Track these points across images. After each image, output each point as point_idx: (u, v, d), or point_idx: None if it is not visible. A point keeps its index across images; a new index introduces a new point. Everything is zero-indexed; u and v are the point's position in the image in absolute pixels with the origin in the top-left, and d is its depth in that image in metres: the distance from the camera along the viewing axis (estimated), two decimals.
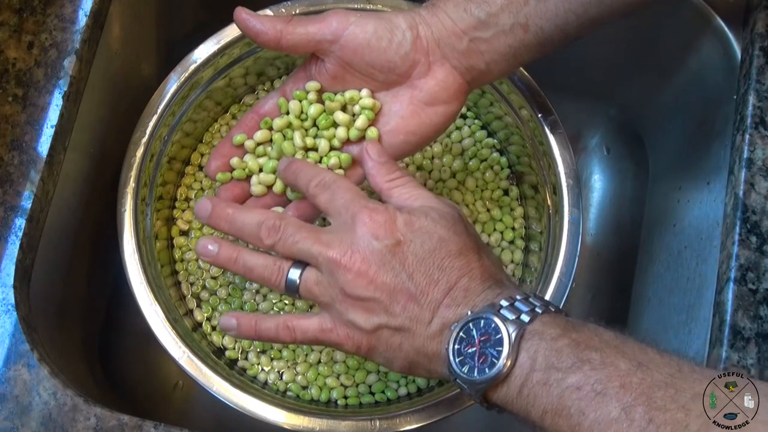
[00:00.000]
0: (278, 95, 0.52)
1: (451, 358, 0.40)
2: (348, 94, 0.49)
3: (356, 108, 0.50)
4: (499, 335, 0.38)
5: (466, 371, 0.40)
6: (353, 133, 0.50)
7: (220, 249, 0.46)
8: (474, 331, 0.40)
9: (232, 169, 0.52)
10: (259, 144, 0.52)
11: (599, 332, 0.38)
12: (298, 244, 0.44)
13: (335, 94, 0.50)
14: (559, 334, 0.38)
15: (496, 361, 0.38)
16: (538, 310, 0.40)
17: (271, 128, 0.52)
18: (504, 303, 0.40)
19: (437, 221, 0.43)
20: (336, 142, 0.50)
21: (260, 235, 0.45)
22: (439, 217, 0.43)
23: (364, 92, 0.49)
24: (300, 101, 0.51)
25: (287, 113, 0.51)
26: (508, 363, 0.38)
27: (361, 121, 0.49)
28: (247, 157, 0.52)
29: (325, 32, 0.47)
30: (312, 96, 0.50)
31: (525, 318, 0.39)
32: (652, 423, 0.33)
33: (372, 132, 0.49)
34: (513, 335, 0.38)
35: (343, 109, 0.50)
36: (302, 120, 0.51)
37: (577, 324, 0.39)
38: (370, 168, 0.47)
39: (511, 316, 0.39)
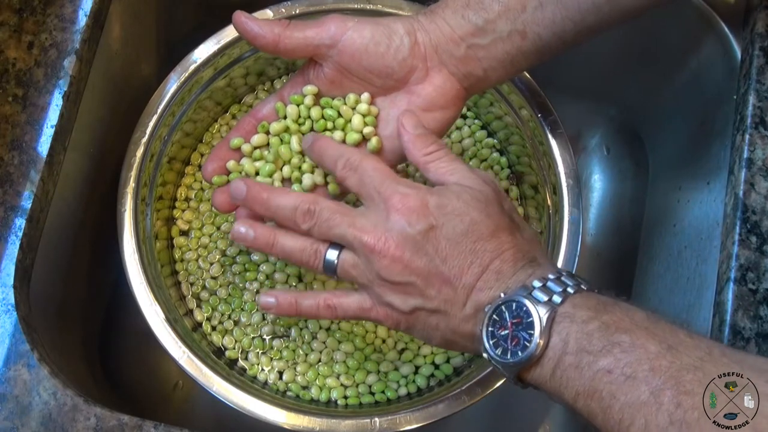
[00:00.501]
0: (276, 99, 0.52)
1: (485, 340, 0.41)
2: (351, 96, 0.50)
3: (355, 115, 0.50)
4: (531, 318, 0.39)
5: (499, 353, 0.40)
6: (352, 138, 0.50)
7: (256, 233, 0.47)
8: (506, 314, 0.40)
9: (228, 172, 0.52)
10: (255, 148, 0.52)
11: (630, 313, 0.39)
12: (333, 229, 0.45)
13: (333, 99, 0.50)
14: (590, 316, 0.38)
15: (528, 344, 0.39)
16: (570, 290, 0.40)
17: (268, 132, 0.52)
18: (536, 284, 0.40)
19: (469, 203, 0.43)
20: None
21: (296, 219, 0.46)
22: (471, 198, 0.43)
23: (365, 96, 0.49)
24: (297, 105, 0.51)
25: (285, 117, 0.51)
26: (540, 345, 0.39)
27: (356, 120, 0.49)
28: (244, 161, 0.52)
29: (323, 37, 0.47)
30: (309, 100, 0.50)
31: (557, 299, 0.39)
32: (680, 407, 0.33)
33: (374, 141, 0.49)
34: (544, 318, 0.39)
35: (341, 113, 0.50)
36: (300, 124, 0.51)
37: (609, 304, 0.39)
38: (406, 141, 0.47)
39: (543, 298, 0.39)
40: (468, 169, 0.45)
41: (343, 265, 0.45)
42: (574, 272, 0.55)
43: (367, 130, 0.49)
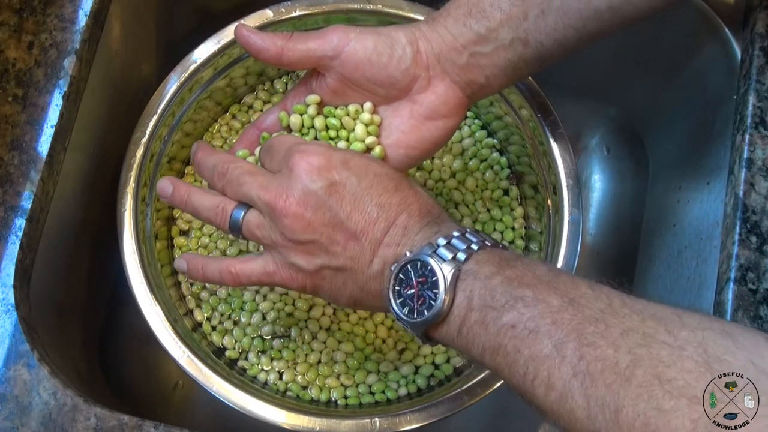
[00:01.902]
0: (279, 109, 0.52)
1: (391, 299, 0.41)
2: (351, 107, 0.50)
3: (358, 124, 0.50)
4: (435, 277, 0.39)
5: (406, 312, 0.41)
6: (356, 147, 0.49)
7: (174, 189, 0.48)
8: (412, 273, 0.41)
9: None
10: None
11: (533, 267, 0.39)
12: (243, 187, 0.45)
13: (336, 108, 0.50)
14: (493, 272, 0.39)
15: (433, 302, 0.39)
16: (474, 246, 0.40)
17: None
18: (441, 241, 0.41)
19: (370, 160, 0.45)
20: None
21: (213, 178, 0.47)
22: (370, 158, 0.45)
23: (368, 106, 0.49)
24: (301, 115, 0.51)
25: (288, 127, 0.51)
26: (446, 303, 0.39)
27: (360, 129, 0.49)
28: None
29: (326, 48, 0.48)
30: (312, 110, 0.50)
31: (461, 256, 0.40)
32: (583, 359, 0.34)
33: (378, 150, 0.49)
34: (448, 277, 0.39)
35: (343, 124, 0.50)
36: (303, 134, 0.51)
37: (512, 259, 0.40)
38: None
39: (447, 256, 0.40)
40: None
41: (247, 224, 0.45)
42: (573, 272, 0.55)
43: (370, 140, 0.49)
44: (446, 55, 0.48)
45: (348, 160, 0.44)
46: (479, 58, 0.48)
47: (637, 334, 0.34)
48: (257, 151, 0.52)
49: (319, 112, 0.51)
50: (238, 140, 0.53)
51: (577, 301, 0.36)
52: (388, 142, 0.49)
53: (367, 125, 0.49)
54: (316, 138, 0.51)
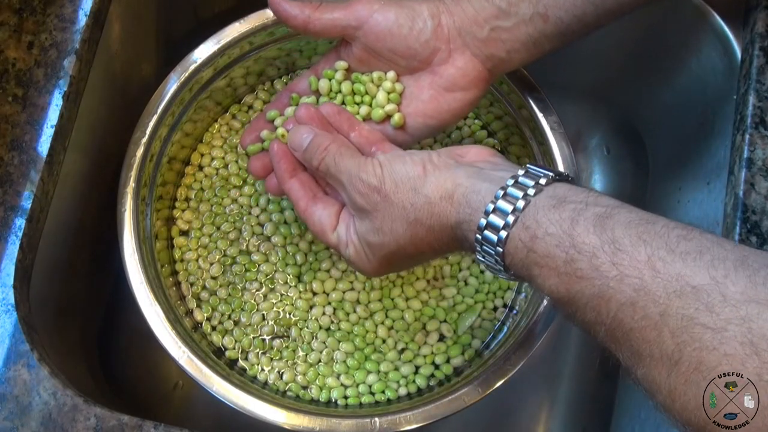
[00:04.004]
0: (311, 74, 0.54)
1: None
2: (375, 74, 0.52)
3: (380, 91, 0.52)
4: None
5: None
6: (377, 114, 0.51)
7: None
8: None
9: (262, 141, 0.54)
10: (288, 118, 0.54)
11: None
12: None
13: (362, 75, 0.52)
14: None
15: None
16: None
17: (298, 105, 0.54)
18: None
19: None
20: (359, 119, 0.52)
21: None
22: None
23: (390, 75, 0.51)
24: (329, 80, 0.53)
25: (316, 91, 0.53)
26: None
27: (381, 96, 0.51)
28: (279, 131, 0.54)
29: (350, 18, 0.50)
30: (339, 75, 0.53)
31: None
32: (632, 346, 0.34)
33: (397, 117, 0.51)
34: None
35: (367, 90, 0.52)
36: (331, 98, 0.53)
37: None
38: None
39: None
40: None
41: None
42: None
43: (389, 107, 0.51)
44: (467, 29, 0.49)
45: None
46: (500, 32, 0.49)
47: (676, 317, 0.32)
48: (287, 111, 0.54)
49: (347, 78, 0.53)
50: (271, 102, 0.56)
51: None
52: (408, 111, 0.51)
53: (388, 93, 0.51)
54: (343, 103, 0.53)
